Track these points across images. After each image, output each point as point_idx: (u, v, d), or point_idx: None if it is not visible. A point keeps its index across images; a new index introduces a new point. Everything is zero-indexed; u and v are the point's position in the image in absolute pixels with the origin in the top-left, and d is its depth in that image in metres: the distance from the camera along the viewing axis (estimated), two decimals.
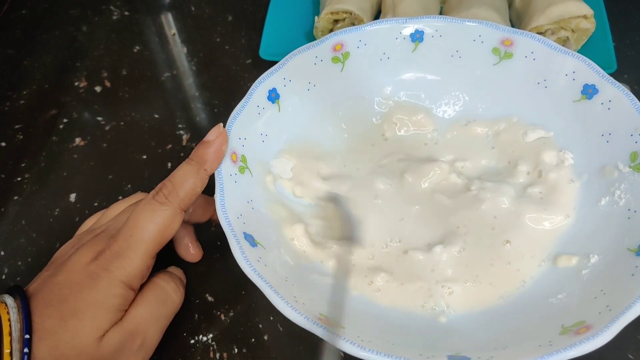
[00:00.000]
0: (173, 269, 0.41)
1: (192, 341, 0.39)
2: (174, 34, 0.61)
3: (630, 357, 0.36)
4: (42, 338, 0.30)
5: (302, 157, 0.43)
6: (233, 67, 0.57)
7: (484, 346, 0.31)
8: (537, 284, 0.36)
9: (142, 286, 0.35)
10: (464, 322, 0.35)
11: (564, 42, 0.49)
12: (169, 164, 0.49)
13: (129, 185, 0.48)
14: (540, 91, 0.42)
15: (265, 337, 0.39)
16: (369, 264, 0.38)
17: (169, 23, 0.62)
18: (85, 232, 0.39)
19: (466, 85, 0.44)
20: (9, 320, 0.30)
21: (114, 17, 0.64)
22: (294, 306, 0.30)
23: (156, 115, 0.53)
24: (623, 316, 0.28)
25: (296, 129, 0.43)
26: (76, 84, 0.57)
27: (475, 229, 0.39)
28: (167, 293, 0.37)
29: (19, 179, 0.50)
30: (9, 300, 0.31)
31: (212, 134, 0.36)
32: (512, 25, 0.52)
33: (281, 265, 0.35)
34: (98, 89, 0.57)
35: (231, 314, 0.40)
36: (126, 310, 0.34)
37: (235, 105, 0.39)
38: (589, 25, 0.48)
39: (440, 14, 0.54)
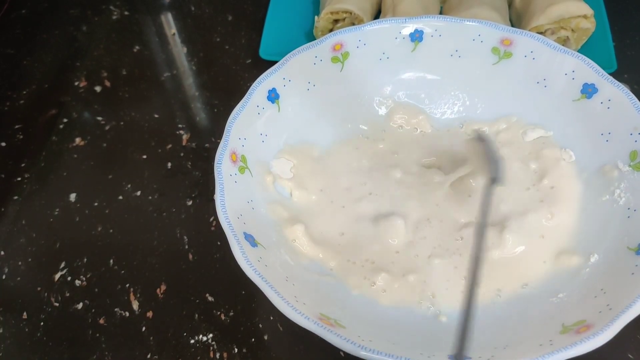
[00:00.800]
0: None
1: (192, 341, 0.39)
2: (173, 34, 0.61)
3: (630, 356, 0.36)
4: None
5: (301, 157, 0.43)
6: (233, 67, 0.57)
7: (485, 345, 0.31)
8: (537, 283, 0.36)
9: None
10: None
11: (564, 41, 0.49)
12: (169, 164, 0.49)
13: (129, 185, 0.48)
14: (540, 90, 0.42)
15: (265, 337, 0.39)
16: (369, 264, 0.38)
17: (169, 23, 0.62)
18: None
19: (466, 84, 0.44)
20: None
21: (114, 17, 0.64)
22: (295, 306, 0.30)
23: (156, 115, 0.53)
24: (623, 315, 0.28)
25: (296, 128, 0.43)
26: (76, 83, 0.57)
27: (475, 227, 0.39)
28: None
29: (19, 179, 0.50)
30: None
31: None
32: (512, 25, 0.52)
33: (281, 265, 0.35)
34: (98, 88, 0.57)
35: (231, 314, 0.40)
36: None
37: (235, 105, 0.39)
38: (589, 25, 0.48)
39: (440, 13, 0.54)
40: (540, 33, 0.48)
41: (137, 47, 0.60)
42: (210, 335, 0.39)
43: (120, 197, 0.47)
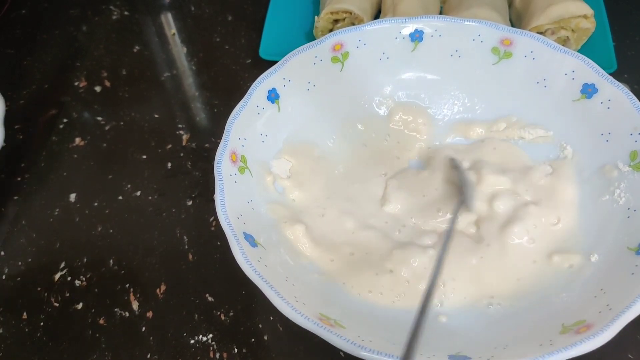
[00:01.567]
0: None
1: (192, 341, 0.39)
2: (173, 34, 0.61)
3: (630, 356, 0.36)
4: None
5: (301, 157, 0.43)
6: (233, 67, 0.57)
7: (485, 345, 0.31)
8: (537, 283, 0.36)
9: None
10: (464, 321, 0.35)
11: (564, 41, 0.49)
12: (169, 164, 0.49)
13: (129, 185, 0.48)
14: (540, 90, 0.42)
15: (265, 337, 0.39)
16: (369, 263, 0.38)
17: (169, 23, 0.62)
18: None
19: (466, 84, 0.44)
20: None
21: (114, 17, 0.64)
22: (295, 306, 0.30)
23: (156, 115, 0.53)
24: (623, 315, 0.28)
25: (296, 128, 0.43)
26: (76, 83, 0.57)
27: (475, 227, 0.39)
28: None
29: (19, 179, 0.50)
30: None
31: None
32: (512, 25, 0.52)
33: (281, 265, 0.35)
34: (98, 88, 0.57)
35: (231, 314, 0.40)
36: None
37: (235, 105, 0.39)
38: (589, 25, 0.48)
39: (440, 13, 0.54)
40: (540, 33, 0.48)
41: (137, 47, 0.60)
42: (210, 335, 0.39)
43: (120, 197, 0.47)
